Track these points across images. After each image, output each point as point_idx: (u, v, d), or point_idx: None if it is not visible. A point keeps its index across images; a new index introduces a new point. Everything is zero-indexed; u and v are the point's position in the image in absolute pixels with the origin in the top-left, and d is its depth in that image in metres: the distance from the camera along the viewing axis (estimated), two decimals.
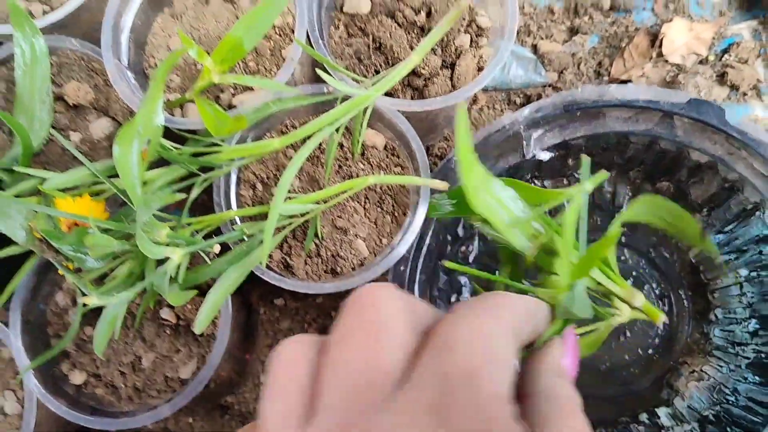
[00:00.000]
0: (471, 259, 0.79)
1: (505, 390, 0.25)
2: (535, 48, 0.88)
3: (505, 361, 0.26)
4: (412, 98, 0.69)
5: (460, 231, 0.75)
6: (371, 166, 0.66)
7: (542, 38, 0.88)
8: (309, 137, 0.59)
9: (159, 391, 0.65)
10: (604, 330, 0.45)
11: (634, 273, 0.79)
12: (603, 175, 0.44)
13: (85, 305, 0.60)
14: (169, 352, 0.65)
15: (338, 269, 0.64)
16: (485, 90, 0.87)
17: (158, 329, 0.65)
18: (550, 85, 0.87)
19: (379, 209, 0.66)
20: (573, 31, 0.89)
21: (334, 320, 0.34)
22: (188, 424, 0.78)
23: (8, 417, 0.63)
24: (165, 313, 0.65)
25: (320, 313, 0.81)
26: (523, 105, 0.87)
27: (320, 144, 0.66)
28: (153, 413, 0.62)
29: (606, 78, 0.87)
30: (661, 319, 0.43)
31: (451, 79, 0.68)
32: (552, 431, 0.27)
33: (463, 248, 0.78)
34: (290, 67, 0.64)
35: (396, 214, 0.66)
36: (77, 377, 0.65)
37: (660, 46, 0.84)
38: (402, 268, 0.66)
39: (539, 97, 0.86)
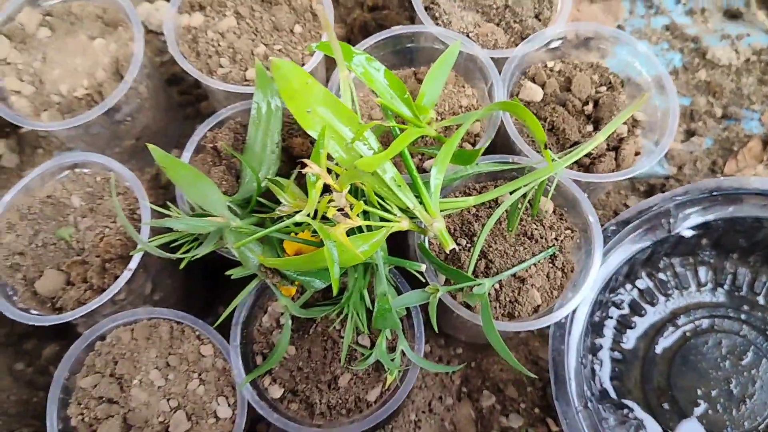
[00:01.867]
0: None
1: None
2: (656, 143, 1.01)
3: None
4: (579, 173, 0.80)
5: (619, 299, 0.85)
6: (543, 227, 0.77)
7: None
8: (496, 199, 0.71)
9: (349, 411, 0.73)
10: (384, 231, 0.62)
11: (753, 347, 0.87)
12: None
13: (292, 329, 0.70)
14: (363, 375, 0.73)
15: (515, 314, 0.74)
16: None
17: (352, 353, 0.74)
18: (670, 177, 0.99)
19: (551, 265, 0.76)
20: (690, 133, 1.02)
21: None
22: None
23: (220, 420, 0.71)
24: (363, 340, 0.74)
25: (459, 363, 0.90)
26: (646, 193, 0.98)
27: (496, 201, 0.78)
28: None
29: (719, 175, 0.99)
30: (450, 246, 0.63)
31: (616, 159, 0.80)
32: None
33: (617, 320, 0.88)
34: (484, 141, 0.76)
35: (565, 270, 0.76)
36: (276, 391, 0.73)
37: None
38: (563, 320, 0.76)
39: (662, 187, 0.98)
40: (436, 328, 0.67)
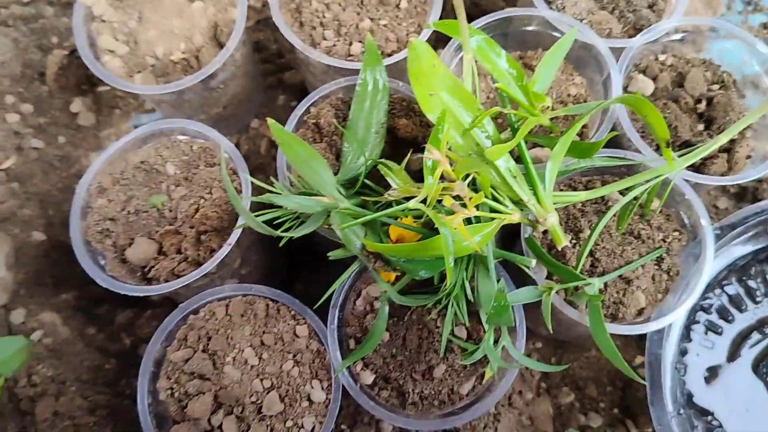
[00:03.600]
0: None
1: None
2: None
3: None
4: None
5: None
6: (651, 227, 0.75)
7: None
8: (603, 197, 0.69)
9: (441, 402, 0.72)
10: (497, 224, 0.62)
11: None
12: None
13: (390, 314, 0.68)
14: (459, 367, 0.72)
15: (619, 315, 0.72)
16: None
17: (448, 343, 0.72)
18: (762, 181, 0.96)
19: (656, 267, 0.74)
20: None
21: None
22: None
23: (314, 404, 0.70)
24: (459, 331, 0.72)
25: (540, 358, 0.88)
26: (736, 195, 0.96)
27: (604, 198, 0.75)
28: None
29: None
30: (563, 243, 0.62)
31: (728, 162, 0.77)
32: None
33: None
34: (602, 134, 0.73)
35: (671, 273, 0.74)
36: (368, 377, 0.72)
37: None
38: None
39: (754, 190, 0.95)
40: (551, 330, 0.65)
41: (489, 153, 0.61)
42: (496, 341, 0.70)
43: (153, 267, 0.74)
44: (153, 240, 0.75)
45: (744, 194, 0.96)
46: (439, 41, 0.83)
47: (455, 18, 0.66)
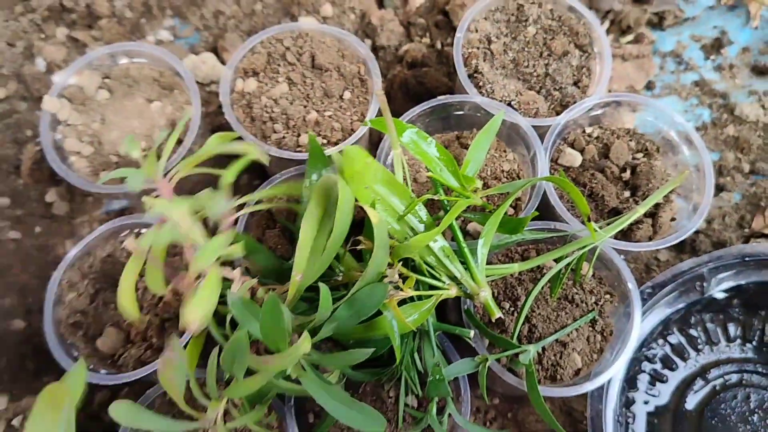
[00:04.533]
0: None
1: None
2: (694, 203, 1.04)
3: None
4: (616, 239, 0.83)
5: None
6: (584, 291, 0.80)
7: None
8: (539, 265, 0.74)
9: None
10: (434, 300, 0.68)
11: None
12: None
13: (345, 387, 0.73)
14: None
15: (557, 377, 0.77)
16: None
17: (398, 412, 0.77)
18: (699, 232, 1.02)
19: (590, 328, 0.79)
20: (719, 188, 1.05)
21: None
22: None
23: None
24: (411, 400, 0.77)
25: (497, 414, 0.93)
26: (676, 247, 1.01)
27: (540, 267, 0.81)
28: None
29: (747, 230, 1.02)
30: (496, 315, 0.69)
31: (653, 227, 0.83)
32: None
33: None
34: (529, 210, 0.79)
35: (604, 333, 0.79)
36: None
37: None
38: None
39: (692, 241, 1.01)
40: (486, 399, 0.71)
41: (413, 242, 0.67)
42: (441, 410, 0.75)
43: (122, 355, 0.79)
44: (121, 329, 0.81)
45: (683, 246, 1.02)
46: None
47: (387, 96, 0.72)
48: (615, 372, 0.76)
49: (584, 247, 0.75)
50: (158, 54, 0.90)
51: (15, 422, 0.89)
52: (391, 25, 1.12)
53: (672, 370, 0.93)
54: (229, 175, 0.71)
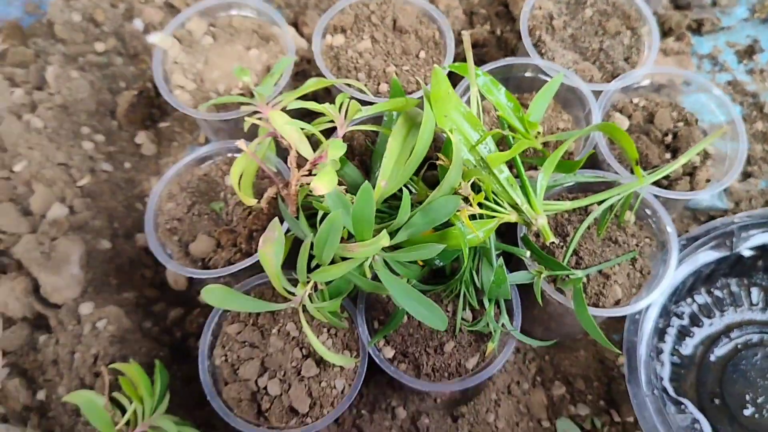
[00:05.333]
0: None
1: None
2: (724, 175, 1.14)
3: None
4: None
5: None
6: (626, 234, 0.90)
7: None
8: (589, 205, 0.85)
9: (450, 374, 0.85)
10: (497, 221, 0.77)
11: None
12: None
13: None
14: (465, 344, 0.86)
15: (599, 304, 0.86)
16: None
17: (461, 324, 0.86)
18: (728, 211, 1.12)
19: (631, 266, 0.89)
20: (747, 175, 1.15)
21: None
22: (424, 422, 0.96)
23: (344, 370, 0.84)
24: (466, 315, 0.87)
25: (535, 356, 1.02)
26: (707, 222, 1.11)
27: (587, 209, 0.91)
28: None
29: None
30: (550, 239, 0.77)
31: (690, 183, 0.93)
32: None
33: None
34: (584, 153, 0.90)
35: (643, 272, 0.89)
36: (389, 352, 0.86)
37: None
38: (637, 316, 0.88)
39: (722, 216, 1.10)
40: (540, 302, 0.80)
41: (489, 159, 0.78)
42: (496, 319, 0.84)
43: (212, 258, 0.89)
44: (212, 237, 0.91)
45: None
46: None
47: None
48: (649, 302, 0.85)
49: (630, 189, 0.85)
50: (261, 7, 1.02)
51: (99, 325, 0.99)
52: (456, 12, 1.24)
53: (699, 326, 1.02)
54: (340, 98, 0.83)
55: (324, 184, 0.72)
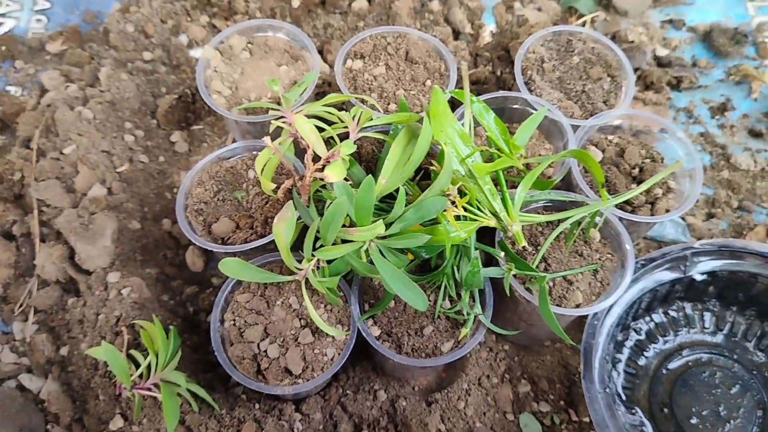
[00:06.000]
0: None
1: None
2: (683, 218, 1.27)
3: None
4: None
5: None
6: (591, 249, 1.03)
7: (690, 215, 1.27)
8: (559, 220, 0.98)
9: (428, 355, 0.98)
10: (478, 223, 0.90)
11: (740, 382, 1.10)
12: None
13: None
14: (442, 329, 0.98)
15: (562, 305, 0.99)
16: (644, 238, 1.26)
17: (440, 311, 0.99)
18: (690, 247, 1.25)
19: (593, 277, 1.02)
20: (710, 216, 1.28)
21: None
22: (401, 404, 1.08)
23: (335, 341, 0.96)
24: (445, 304, 1.00)
25: (506, 356, 1.14)
26: None
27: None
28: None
29: None
30: (522, 243, 0.90)
31: (651, 211, 1.07)
32: None
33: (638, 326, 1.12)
34: (558, 175, 1.04)
35: (603, 282, 1.02)
36: (375, 331, 0.99)
37: None
38: (595, 322, 1.01)
39: None
40: (508, 293, 0.93)
41: (476, 167, 0.92)
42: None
43: (230, 238, 1.03)
44: (232, 220, 1.05)
45: None
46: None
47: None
48: (607, 305, 0.98)
49: (595, 209, 0.99)
50: (294, 31, 1.19)
51: (123, 292, 1.12)
52: (462, 53, 1.41)
53: (654, 343, 1.14)
54: (355, 110, 0.97)
55: (335, 174, 0.86)
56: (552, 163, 1.11)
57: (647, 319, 1.15)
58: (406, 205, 0.93)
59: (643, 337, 1.14)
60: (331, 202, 0.89)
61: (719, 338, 1.15)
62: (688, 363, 1.13)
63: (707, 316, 1.15)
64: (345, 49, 1.17)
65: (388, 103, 1.13)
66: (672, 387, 1.11)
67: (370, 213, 0.88)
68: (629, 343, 1.14)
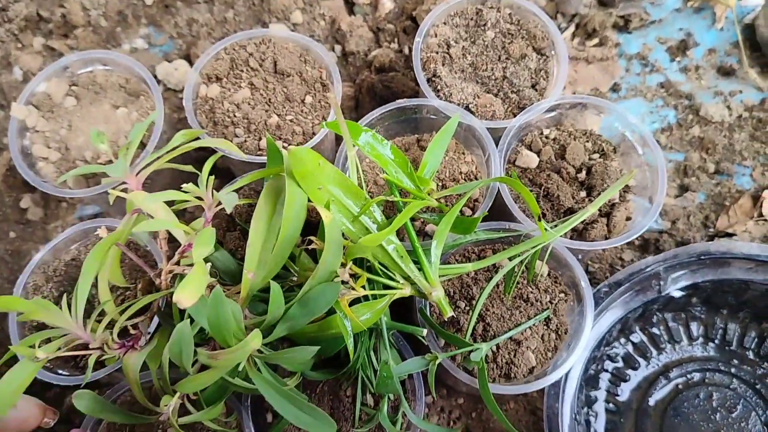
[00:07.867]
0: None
1: None
2: (650, 200, 1.05)
3: None
4: (572, 239, 0.84)
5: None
6: (539, 290, 0.81)
7: None
8: (495, 264, 0.75)
9: None
10: (387, 299, 0.69)
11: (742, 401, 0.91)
12: None
13: (303, 387, 0.74)
14: None
15: (511, 375, 0.78)
16: None
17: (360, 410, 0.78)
18: (663, 232, 1.03)
19: (545, 327, 0.80)
20: (683, 188, 1.06)
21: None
22: None
23: None
24: (368, 399, 0.78)
25: (461, 414, 0.94)
26: (641, 247, 1.03)
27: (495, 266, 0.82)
28: None
29: (712, 230, 1.03)
30: (448, 314, 0.70)
31: (607, 226, 0.84)
32: None
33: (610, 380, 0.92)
34: (481, 211, 0.81)
35: (559, 332, 0.80)
36: None
37: (761, 207, 1.01)
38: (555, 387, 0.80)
39: (656, 241, 1.02)
40: (434, 395, 0.72)
41: (364, 241, 0.69)
42: (397, 408, 0.76)
43: (83, 359, 0.81)
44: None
45: (647, 245, 1.03)
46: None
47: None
48: (568, 369, 0.77)
49: (536, 246, 0.76)
50: (124, 61, 0.92)
51: None
52: (360, 30, 1.14)
53: (634, 369, 0.94)
54: (207, 165, 0.73)
55: (187, 296, 0.62)
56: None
57: (623, 341, 0.95)
58: (293, 295, 0.71)
59: (620, 364, 0.94)
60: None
61: (710, 350, 0.95)
62: (678, 387, 0.93)
63: (693, 325, 0.95)
64: (195, 71, 0.91)
65: (260, 138, 0.88)
66: (662, 420, 0.91)
67: (231, 331, 0.65)
68: (605, 376, 0.94)
